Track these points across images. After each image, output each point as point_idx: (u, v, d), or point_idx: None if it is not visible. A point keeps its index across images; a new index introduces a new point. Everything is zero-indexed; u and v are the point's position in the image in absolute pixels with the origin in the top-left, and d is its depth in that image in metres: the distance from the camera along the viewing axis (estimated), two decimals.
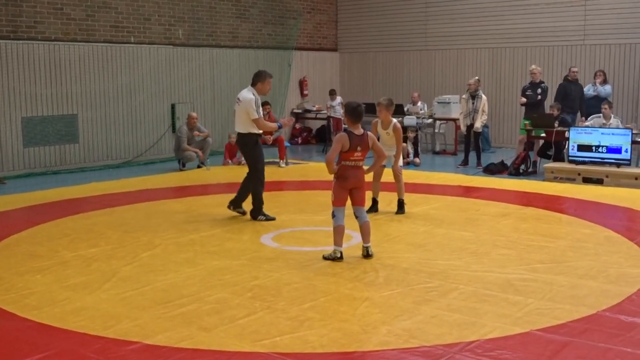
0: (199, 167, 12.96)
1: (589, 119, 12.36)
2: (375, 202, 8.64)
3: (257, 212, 8.27)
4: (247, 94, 8.06)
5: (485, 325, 4.75)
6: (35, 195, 10.02)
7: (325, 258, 6.44)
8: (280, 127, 8.57)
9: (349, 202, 6.53)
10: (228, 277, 5.98)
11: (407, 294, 5.46)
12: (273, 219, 8.23)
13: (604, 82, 13.21)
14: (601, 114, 11.88)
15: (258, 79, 8.20)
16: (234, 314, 5.03)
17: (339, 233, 6.42)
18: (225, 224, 8.09)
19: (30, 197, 9.92)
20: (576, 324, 4.77)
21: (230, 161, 13.43)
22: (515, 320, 4.86)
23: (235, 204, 8.45)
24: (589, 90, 13.07)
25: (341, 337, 4.60)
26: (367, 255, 6.49)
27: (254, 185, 8.22)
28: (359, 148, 6.41)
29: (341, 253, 6.42)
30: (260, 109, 8.19)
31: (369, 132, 6.62)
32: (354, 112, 6.52)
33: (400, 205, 8.61)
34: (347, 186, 6.44)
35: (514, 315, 4.96)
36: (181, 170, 12.79)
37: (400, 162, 8.79)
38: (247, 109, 7.96)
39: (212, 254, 6.75)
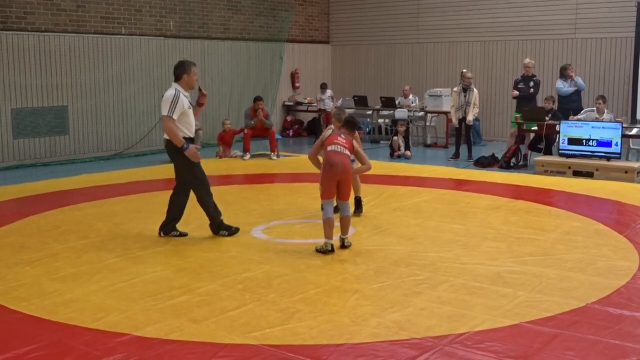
0: None
1: (581, 112, 12.36)
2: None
3: (218, 226, 7.20)
4: (169, 91, 6.82)
5: (475, 318, 4.76)
6: (25, 187, 9.97)
7: (317, 250, 6.44)
8: (184, 149, 6.75)
9: None
10: (218, 269, 5.98)
11: (397, 286, 5.47)
12: (236, 231, 7.20)
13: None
14: (595, 108, 11.89)
15: (183, 71, 6.92)
16: (224, 306, 5.02)
17: (328, 226, 6.43)
18: None
19: (19, 188, 9.87)
20: (565, 316, 4.79)
21: (222, 151, 13.39)
22: (505, 312, 4.88)
23: (165, 227, 7.16)
24: (564, 86, 12.85)
25: (331, 329, 4.60)
26: (343, 246, 6.56)
27: (202, 197, 7.09)
28: (342, 135, 6.61)
29: (332, 246, 6.42)
30: (179, 107, 6.72)
31: (354, 140, 6.82)
32: (348, 123, 6.86)
33: (358, 203, 8.01)
34: (334, 175, 6.42)
35: (504, 307, 4.98)
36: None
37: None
38: (162, 107, 6.79)
39: (203, 246, 6.74)
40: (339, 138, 6.56)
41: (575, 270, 5.87)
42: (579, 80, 12.81)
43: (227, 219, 7.92)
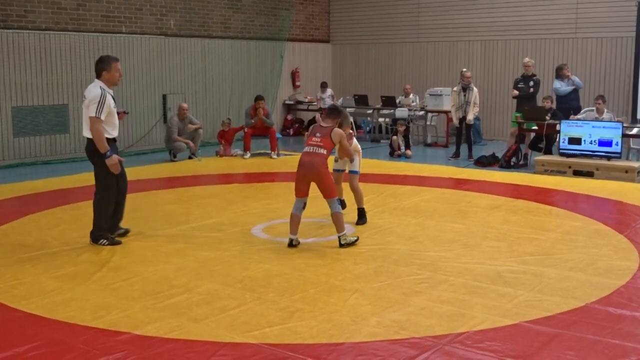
0: (190, 158, 12.93)
1: (581, 112, 12.35)
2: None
3: (99, 235, 6.73)
4: (94, 89, 6.50)
5: (475, 317, 4.76)
6: (25, 186, 9.97)
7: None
8: (106, 157, 6.46)
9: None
10: (218, 268, 5.98)
11: (397, 286, 5.47)
12: (119, 243, 6.75)
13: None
14: (594, 108, 11.88)
15: (102, 67, 6.55)
16: (224, 305, 5.02)
17: (291, 221, 6.63)
18: (215, 215, 8.07)
19: (20, 187, 9.87)
20: (565, 316, 4.78)
21: (223, 150, 13.39)
22: (505, 312, 4.88)
23: (110, 230, 6.85)
24: (562, 86, 12.84)
25: (331, 328, 4.60)
26: (340, 244, 6.55)
27: (101, 201, 6.68)
28: (317, 134, 6.63)
29: (292, 240, 6.59)
30: (106, 107, 6.44)
31: (337, 128, 6.68)
32: (329, 110, 6.87)
33: (360, 214, 7.62)
34: (302, 175, 6.59)
35: (504, 307, 4.98)
36: (172, 161, 12.76)
37: (357, 167, 7.53)
38: (88, 106, 6.47)
39: (203, 245, 6.73)
40: (313, 138, 6.63)
41: (575, 270, 5.87)
42: (576, 79, 12.81)
43: (227, 217, 7.93)
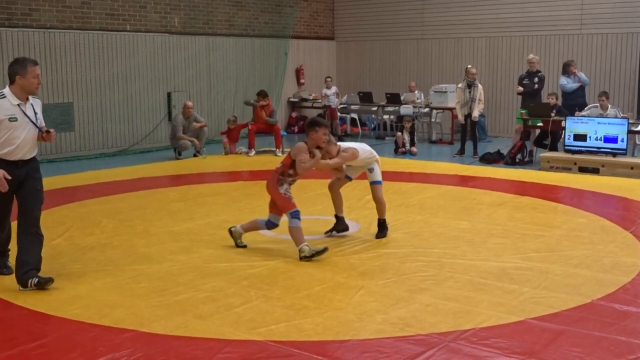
0: (195, 155, 12.94)
1: (585, 108, 12.32)
2: (338, 219, 7.06)
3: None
4: None
5: (481, 314, 4.76)
6: None
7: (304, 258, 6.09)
8: None
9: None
10: (224, 265, 5.98)
11: (402, 283, 5.46)
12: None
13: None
14: (598, 104, 11.86)
15: (15, 72, 5.26)
16: (230, 303, 5.03)
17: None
18: (220, 213, 8.07)
19: None
20: (571, 313, 4.78)
21: (227, 146, 13.41)
22: (511, 308, 4.87)
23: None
24: (568, 82, 12.78)
25: (336, 325, 4.60)
26: (300, 258, 6.03)
27: None
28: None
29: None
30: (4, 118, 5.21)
31: (298, 143, 6.42)
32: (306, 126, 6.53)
33: (381, 226, 7.00)
34: None
35: (509, 303, 4.97)
36: (177, 158, 12.77)
37: (379, 176, 6.86)
38: None
39: (208, 243, 6.74)
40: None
41: (580, 267, 5.86)
42: (582, 75, 12.76)
43: (232, 216, 7.92)
